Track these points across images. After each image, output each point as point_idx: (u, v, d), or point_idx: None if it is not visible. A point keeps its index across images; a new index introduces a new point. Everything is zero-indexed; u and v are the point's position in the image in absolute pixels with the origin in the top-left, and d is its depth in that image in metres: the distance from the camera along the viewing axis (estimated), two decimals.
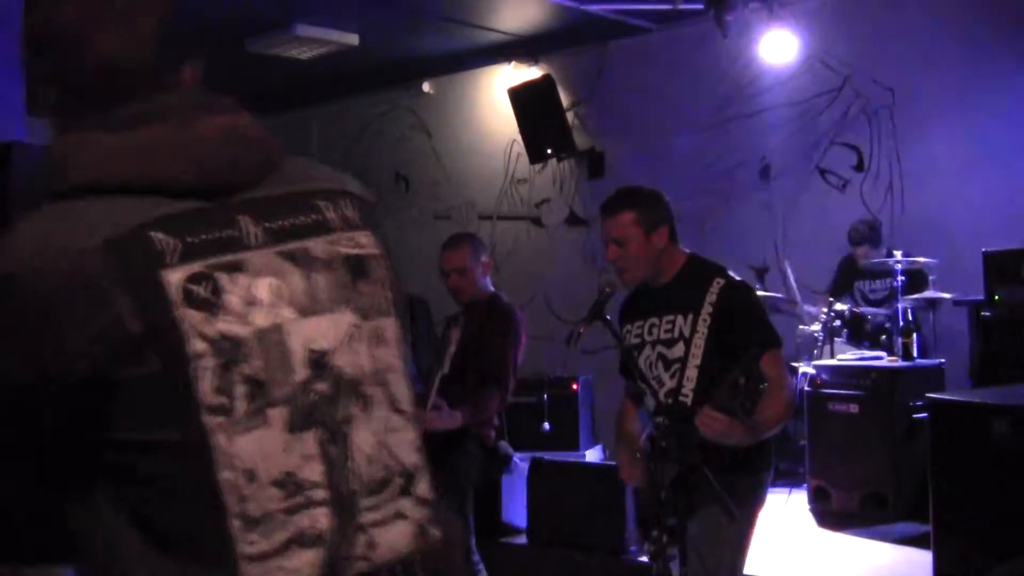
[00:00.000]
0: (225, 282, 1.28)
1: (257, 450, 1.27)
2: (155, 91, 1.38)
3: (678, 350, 3.30)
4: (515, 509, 5.91)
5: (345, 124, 10.26)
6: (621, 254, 3.38)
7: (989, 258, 5.81)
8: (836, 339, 6.64)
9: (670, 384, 3.29)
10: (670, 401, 3.23)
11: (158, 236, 1.26)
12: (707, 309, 3.27)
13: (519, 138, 8.79)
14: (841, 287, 7.07)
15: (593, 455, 7.08)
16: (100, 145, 1.31)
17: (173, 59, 1.43)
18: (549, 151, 8.67)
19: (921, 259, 6.40)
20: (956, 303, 6.24)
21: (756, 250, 7.55)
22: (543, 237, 9.04)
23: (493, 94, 9.15)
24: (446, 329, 4.74)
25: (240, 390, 1.27)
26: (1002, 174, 6.77)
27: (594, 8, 7.73)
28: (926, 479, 4.49)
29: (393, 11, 7.73)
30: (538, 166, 8.91)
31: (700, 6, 7.16)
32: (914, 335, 6.23)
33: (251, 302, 1.30)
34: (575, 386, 7.20)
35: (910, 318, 6.28)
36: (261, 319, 1.30)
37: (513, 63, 8.94)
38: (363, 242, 1.45)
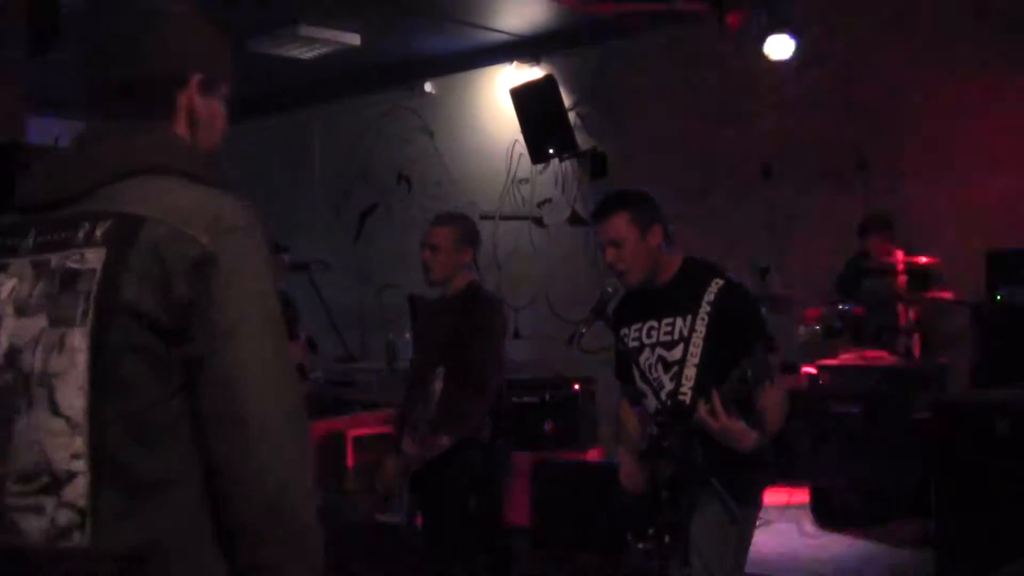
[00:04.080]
0: None
1: None
2: (98, 117, 1.67)
3: (678, 352, 3.30)
4: (518, 509, 5.91)
5: (347, 124, 10.26)
6: (619, 255, 3.38)
7: (991, 258, 5.80)
8: (838, 339, 6.63)
9: (669, 386, 3.29)
10: (670, 402, 3.23)
11: None
12: (705, 309, 3.27)
13: (521, 138, 8.78)
14: (848, 285, 7.06)
15: (595, 455, 7.08)
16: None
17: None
18: (551, 151, 8.66)
19: (923, 259, 6.39)
20: (958, 303, 6.24)
21: (757, 251, 7.54)
22: (545, 237, 9.03)
23: (495, 94, 9.15)
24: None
25: None
26: (1004, 173, 6.76)
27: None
28: (928, 479, 4.49)
29: (395, 11, 7.74)
30: (540, 166, 8.91)
31: (701, 6, 7.16)
32: (916, 335, 6.23)
33: None
34: (576, 386, 7.19)
35: (912, 318, 6.28)
36: None
37: (515, 63, 8.94)
38: (89, 258, 1.53)
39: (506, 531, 5.86)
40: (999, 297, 5.70)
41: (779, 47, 7.26)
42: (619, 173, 8.26)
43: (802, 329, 6.92)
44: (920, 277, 6.50)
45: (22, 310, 1.55)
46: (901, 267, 6.30)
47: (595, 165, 8.69)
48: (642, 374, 3.33)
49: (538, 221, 9.06)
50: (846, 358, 6.33)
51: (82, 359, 1.50)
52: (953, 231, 6.73)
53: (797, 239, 7.61)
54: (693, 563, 3.15)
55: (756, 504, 3.38)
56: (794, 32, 7.22)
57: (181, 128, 1.69)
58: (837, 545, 5.67)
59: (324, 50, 8.41)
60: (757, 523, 3.41)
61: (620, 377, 3.59)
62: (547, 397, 7.12)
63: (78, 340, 1.50)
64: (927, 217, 6.98)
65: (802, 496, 6.24)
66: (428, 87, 9.58)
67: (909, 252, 6.43)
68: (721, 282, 3.32)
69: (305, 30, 7.94)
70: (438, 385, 4.30)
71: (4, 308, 1.57)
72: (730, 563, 3.27)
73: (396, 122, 9.90)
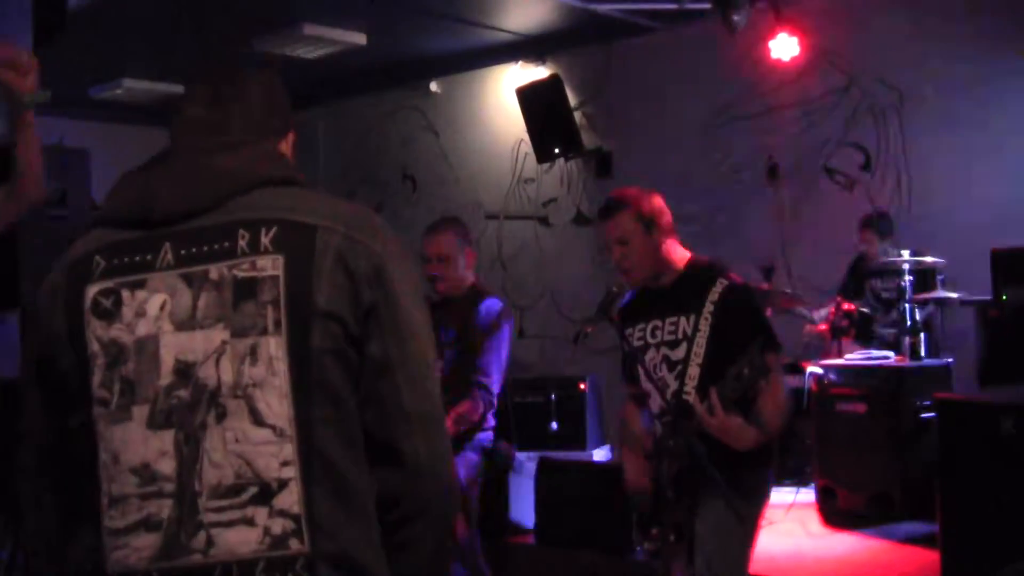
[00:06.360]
0: (126, 297, 1.56)
1: (121, 439, 1.54)
2: (186, 134, 1.68)
3: (681, 351, 3.31)
4: (523, 508, 5.92)
5: (352, 124, 10.27)
6: (625, 253, 3.39)
7: (997, 257, 5.78)
8: (843, 339, 6.62)
9: (674, 385, 3.30)
10: (674, 402, 3.24)
11: (97, 258, 1.59)
12: (708, 309, 3.28)
13: (526, 138, 8.78)
14: (853, 286, 7.05)
15: (600, 454, 7.08)
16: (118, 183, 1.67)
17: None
18: (556, 150, 8.66)
19: (929, 259, 6.38)
20: (964, 303, 6.23)
21: (763, 250, 7.54)
22: (550, 237, 9.03)
23: (500, 94, 9.15)
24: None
25: (116, 387, 1.55)
26: (1010, 173, 6.76)
27: (601, 8, 7.73)
28: (933, 479, 4.49)
29: (400, 10, 7.74)
30: (545, 165, 8.91)
31: (707, 5, 7.16)
32: (921, 335, 6.22)
33: (140, 314, 1.55)
34: (582, 385, 7.19)
35: (918, 318, 6.27)
36: (143, 329, 1.55)
37: (520, 63, 8.94)
38: (262, 265, 1.53)
39: (508, 531, 5.88)
40: (1005, 297, 5.68)
41: (785, 46, 7.26)
42: (624, 173, 8.26)
43: (808, 329, 6.92)
44: (925, 276, 6.49)
45: (186, 324, 1.53)
46: (907, 267, 6.28)
47: (600, 165, 8.69)
48: (647, 373, 3.34)
49: (543, 221, 9.06)
50: (851, 357, 6.32)
51: (282, 367, 1.51)
52: (958, 230, 6.72)
53: (802, 238, 7.60)
54: (698, 562, 3.15)
55: (761, 501, 3.39)
56: (799, 31, 7.22)
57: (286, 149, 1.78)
58: (842, 545, 5.67)
59: (329, 49, 8.42)
60: (762, 520, 3.41)
61: (626, 378, 3.59)
62: (553, 396, 7.12)
63: (274, 348, 1.51)
64: (934, 216, 6.97)
65: (807, 496, 6.24)
66: (433, 86, 9.59)
67: (915, 252, 6.41)
68: (725, 282, 3.33)
69: (310, 29, 7.95)
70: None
71: (160, 324, 1.54)
72: (735, 563, 3.27)
73: (401, 122, 9.91)
